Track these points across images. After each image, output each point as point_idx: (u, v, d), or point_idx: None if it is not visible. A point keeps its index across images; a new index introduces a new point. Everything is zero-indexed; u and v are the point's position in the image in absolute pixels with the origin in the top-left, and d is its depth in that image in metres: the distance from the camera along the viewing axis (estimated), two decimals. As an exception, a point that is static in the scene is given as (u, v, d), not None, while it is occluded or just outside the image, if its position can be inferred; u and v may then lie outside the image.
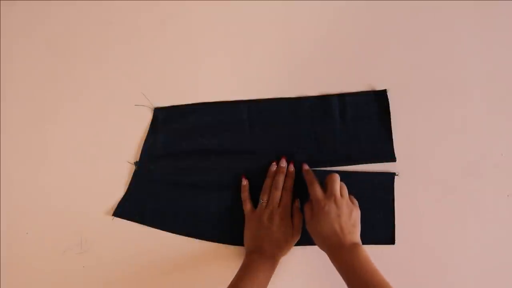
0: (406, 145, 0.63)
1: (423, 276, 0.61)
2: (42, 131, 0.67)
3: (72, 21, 0.70)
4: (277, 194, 0.59)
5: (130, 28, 0.69)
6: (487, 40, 0.66)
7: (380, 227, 0.61)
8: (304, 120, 0.64)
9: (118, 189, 0.65)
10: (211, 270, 0.62)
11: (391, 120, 0.63)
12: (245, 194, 0.61)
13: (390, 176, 0.62)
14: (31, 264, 0.64)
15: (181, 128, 0.65)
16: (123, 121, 0.66)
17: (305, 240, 0.59)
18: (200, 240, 0.63)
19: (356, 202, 0.58)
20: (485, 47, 0.66)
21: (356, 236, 0.54)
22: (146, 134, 0.65)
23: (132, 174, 0.65)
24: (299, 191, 0.61)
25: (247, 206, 0.61)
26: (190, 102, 0.66)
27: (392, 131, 0.63)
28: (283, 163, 0.61)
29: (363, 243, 0.55)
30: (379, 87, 0.64)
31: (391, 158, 0.62)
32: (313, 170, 0.62)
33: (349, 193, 0.58)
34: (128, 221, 0.64)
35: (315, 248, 0.58)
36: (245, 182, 0.62)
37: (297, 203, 0.61)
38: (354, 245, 0.53)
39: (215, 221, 0.63)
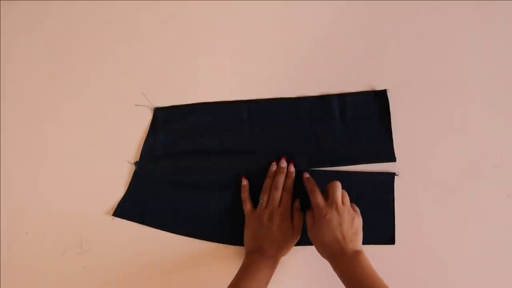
0: (406, 145, 0.63)
1: (423, 276, 0.61)
2: (42, 131, 0.67)
3: (72, 21, 0.70)
4: (277, 194, 0.59)
5: (130, 28, 0.69)
6: (487, 40, 0.66)
7: (380, 227, 0.61)
8: (304, 120, 0.64)
9: (118, 189, 0.65)
10: (211, 270, 0.62)
11: (391, 120, 0.63)
12: (245, 194, 0.62)
13: (390, 176, 0.62)
14: (31, 264, 0.64)
15: (181, 128, 0.65)
16: (123, 121, 0.66)
17: (305, 240, 0.59)
18: (200, 240, 0.63)
19: (357, 209, 0.58)
20: (485, 47, 0.66)
21: (358, 244, 0.54)
22: (146, 134, 0.65)
23: (132, 174, 0.65)
24: (299, 191, 0.61)
25: (247, 206, 0.61)
26: (190, 102, 0.66)
27: (392, 131, 0.63)
28: (283, 163, 0.61)
29: (363, 243, 0.55)
30: (379, 87, 0.64)
31: (391, 158, 0.62)
32: (313, 170, 0.63)
33: (349, 193, 0.58)
34: (128, 221, 0.64)
35: (315, 248, 0.58)
36: (245, 182, 0.62)
37: (297, 203, 0.61)
38: (356, 252, 0.53)
39: (215, 221, 0.63)
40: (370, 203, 0.61)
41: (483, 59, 0.65)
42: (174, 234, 0.63)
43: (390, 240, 0.61)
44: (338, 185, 0.56)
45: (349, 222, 0.54)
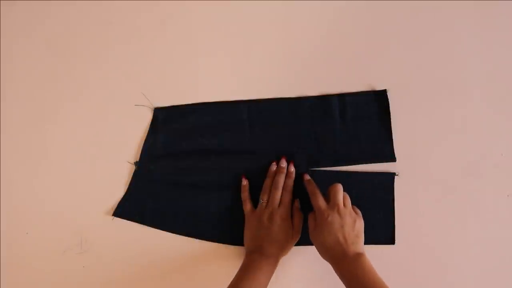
0: (406, 145, 0.63)
1: (423, 276, 0.61)
2: (42, 131, 0.67)
3: (72, 21, 0.70)
4: (277, 194, 0.59)
5: (130, 28, 0.69)
6: (487, 40, 0.66)
7: (380, 227, 0.61)
8: (304, 120, 0.64)
9: (118, 189, 0.65)
10: (211, 270, 0.62)
11: (391, 120, 0.63)
12: (245, 194, 0.62)
13: (390, 176, 0.62)
14: (31, 264, 0.64)
15: (181, 128, 0.65)
16: (123, 121, 0.66)
17: (305, 240, 0.59)
18: (200, 240, 0.63)
19: (359, 212, 0.57)
20: (485, 47, 0.66)
21: (360, 246, 0.54)
22: (146, 134, 0.65)
23: (132, 174, 0.65)
24: (299, 191, 0.61)
25: (247, 206, 0.61)
26: (190, 102, 0.66)
27: (392, 131, 0.63)
28: (283, 163, 0.61)
29: (363, 243, 0.55)
30: (379, 87, 0.64)
31: (391, 158, 0.62)
32: (313, 170, 0.63)
33: (349, 193, 0.58)
34: (128, 221, 0.64)
35: (315, 248, 0.58)
36: (245, 182, 0.62)
37: (297, 203, 0.61)
38: (358, 255, 0.53)
39: (215, 221, 0.63)
40: (370, 203, 0.61)
41: (483, 59, 0.65)
42: (174, 234, 0.63)
43: (390, 240, 0.61)
44: (340, 187, 0.56)
45: (351, 224, 0.54)
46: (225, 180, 0.63)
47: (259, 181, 0.62)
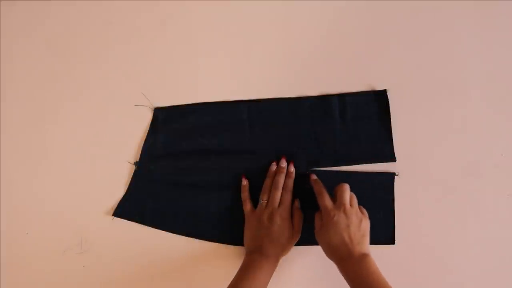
0: (406, 145, 0.63)
1: (423, 276, 0.61)
2: (42, 131, 0.67)
3: (72, 21, 0.70)
4: (277, 194, 0.59)
5: (130, 28, 0.69)
6: (487, 40, 0.66)
7: (380, 227, 0.61)
8: (304, 120, 0.64)
9: (118, 189, 0.65)
10: (211, 270, 0.62)
11: (391, 120, 0.63)
12: (245, 194, 0.62)
13: (390, 176, 0.62)
14: (31, 264, 0.64)
15: (181, 128, 0.65)
16: (123, 121, 0.66)
17: (305, 240, 0.59)
18: (200, 240, 0.63)
19: (365, 212, 0.57)
20: (485, 47, 0.66)
21: (365, 247, 0.54)
22: (146, 134, 0.65)
23: (132, 174, 0.65)
24: (299, 191, 0.61)
25: (247, 206, 0.61)
26: (190, 102, 0.66)
27: (392, 131, 0.63)
28: (283, 163, 0.61)
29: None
30: (379, 87, 0.64)
31: (391, 158, 0.62)
32: (313, 170, 0.62)
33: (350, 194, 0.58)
34: (128, 221, 0.64)
35: (315, 248, 0.58)
36: (245, 182, 0.62)
37: (297, 203, 0.61)
38: (363, 255, 0.53)
39: (215, 221, 0.63)
40: (370, 203, 0.61)
41: (483, 59, 0.65)
42: (174, 234, 0.63)
43: (390, 240, 0.61)
44: (347, 187, 0.56)
45: (357, 224, 0.54)
46: (225, 180, 0.63)
47: (259, 181, 0.62)
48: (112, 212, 0.64)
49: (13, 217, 0.65)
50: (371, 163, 0.63)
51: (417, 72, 0.65)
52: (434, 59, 0.65)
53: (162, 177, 0.64)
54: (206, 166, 0.64)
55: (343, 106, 0.64)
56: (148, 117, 0.66)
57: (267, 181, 0.61)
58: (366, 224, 0.55)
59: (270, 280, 0.55)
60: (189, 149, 0.65)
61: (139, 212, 0.64)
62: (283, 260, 0.58)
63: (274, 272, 0.56)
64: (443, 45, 0.66)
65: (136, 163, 0.65)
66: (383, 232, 0.61)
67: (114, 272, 0.63)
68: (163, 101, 0.66)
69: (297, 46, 0.67)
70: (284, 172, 0.61)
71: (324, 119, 0.64)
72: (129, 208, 0.64)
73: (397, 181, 0.62)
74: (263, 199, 0.59)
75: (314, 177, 0.61)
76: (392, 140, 0.63)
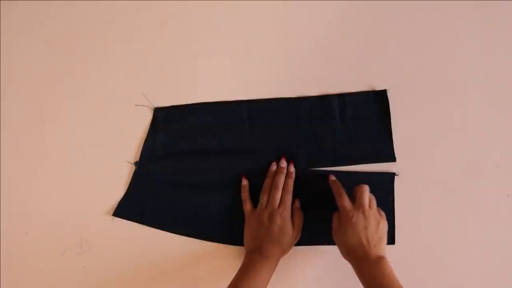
0: (406, 145, 0.63)
1: (423, 276, 0.61)
2: (42, 131, 0.67)
3: (72, 21, 0.70)
4: (277, 194, 0.59)
5: (130, 28, 0.69)
6: (487, 40, 0.66)
7: (380, 227, 0.61)
8: (304, 120, 0.64)
9: (118, 189, 0.65)
10: (211, 270, 0.62)
11: (391, 120, 0.63)
12: (245, 194, 0.62)
13: (390, 176, 0.62)
14: (31, 264, 0.64)
15: (181, 128, 0.65)
16: (123, 121, 0.66)
17: (305, 240, 0.59)
18: (200, 240, 0.63)
19: (383, 214, 0.57)
20: (485, 47, 0.66)
21: (382, 249, 0.54)
22: (146, 134, 0.65)
23: (132, 174, 0.65)
24: (299, 191, 0.61)
25: (247, 206, 0.61)
26: (190, 102, 0.66)
27: (392, 131, 0.63)
28: (283, 163, 0.61)
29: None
30: (379, 87, 0.64)
31: (391, 158, 0.62)
32: (313, 170, 0.63)
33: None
34: (128, 221, 0.64)
35: (315, 248, 0.58)
36: (245, 182, 0.62)
37: (297, 203, 0.61)
38: (380, 258, 0.52)
39: (215, 221, 0.63)
40: (370, 203, 0.61)
41: (483, 59, 0.65)
42: (174, 234, 0.63)
43: (390, 240, 0.61)
44: (366, 188, 0.56)
45: (375, 226, 0.54)
46: (225, 180, 0.63)
47: (259, 181, 0.62)
48: (112, 212, 0.64)
49: (13, 217, 0.65)
50: (371, 163, 0.63)
51: (417, 72, 0.65)
52: (434, 59, 0.65)
53: (162, 177, 0.64)
54: (206, 166, 0.64)
55: (343, 106, 0.64)
56: (148, 117, 0.66)
57: (267, 181, 0.61)
58: (383, 227, 0.55)
59: (270, 280, 0.55)
60: (189, 149, 0.65)
61: (139, 212, 0.64)
62: (283, 260, 0.58)
63: (274, 272, 0.56)
64: (443, 45, 0.66)
65: (136, 163, 0.65)
66: (383, 232, 0.61)
67: (114, 272, 0.63)
68: (163, 101, 0.66)
69: (297, 46, 0.67)
70: (284, 172, 0.61)
71: (324, 119, 0.64)
72: (129, 208, 0.64)
73: (397, 181, 0.62)
74: (263, 199, 0.59)
75: (332, 177, 0.61)
76: (392, 140, 0.63)
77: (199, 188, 0.64)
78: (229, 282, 0.53)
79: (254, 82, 0.66)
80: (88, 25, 0.70)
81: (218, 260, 0.62)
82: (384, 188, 0.62)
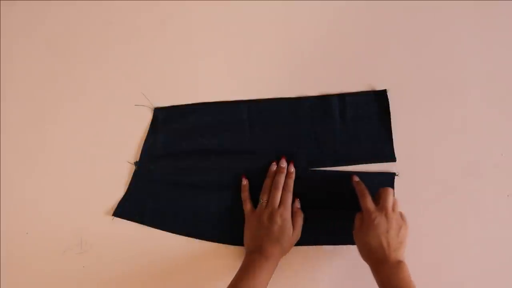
0: (406, 145, 0.63)
1: (423, 276, 0.61)
2: (42, 131, 0.67)
3: (72, 21, 0.70)
4: (277, 194, 0.59)
5: (130, 28, 0.69)
6: (487, 40, 0.66)
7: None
8: (304, 120, 0.64)
9: (118, 189, 0.65)
10: (211, 270, 0.62)
11: (391, 120, 0.63)
12: (245, 194, 0.62)
13: (390, 176, 0.62)
14: (31, 264, 0.64)
15: (181, 128, 0.65)
16: (123, 121, 0.66)
17: (305, 240, 0.59)
18: (200, 240, 0.63)
19: (405, 219, 0.57)
20: (485, 47, 0.66)
21: (401, 254, 0.54)
22: (146, 134, 0.65)
23: (132, 174, 0.65)
24: (299, 191, 0.61)
25: (247, 206, 0.61)
26: (190, 102, 0.66)
27: (392, 131, 0.63)
28: (283, 163, 0.61)
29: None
30: (379, 87, 0.64)
31: (391, 158, 0.62)
32: (313, 170, 0.62)
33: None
34: (128, 221, 0.64)
35: (315, 248, 0.58)
36: (245, 182, 0.62)
37: (297, 203, 0.61)
38: (398, 262, 0.52)
39: (215, 221, 0.63)
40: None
41: (483, 59, 0.65)
42: (174, 234, 0.63)
43: (390, 240, 0.61)
44: (391, 191, 0.56)
45: (397, 230, 0.54)
46: (225, 180, 0.63)
47: (259, 181, 0.62)
48: (112, 212, 0.64)
49: (13, 217, 0.65)
50: (371, 163, 0.63)
51: (417, 72, 0.65)
52: (434, 59, 0.65)
53: (162, 177, 0.64)
54: (206, 166, 0.64)
55: (343, 106, 0.64)
56: (148, 117, 0.66)
57: (267, 181, 0.61)
58: (405, 232, 0.55)
59: (270, 280, 0.55)
60: (189, 149, 0.65)
61: (139, 212, 0.64)
62: (283, 260, 0.58)
63: (274, 272, 0.56)
64: (443, 45, 0.66)
65: (136, 163, 0.65)
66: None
67: (114, 272, 0.63)
68: (163, 101, 0.66)
69: (297, 46, 0.67)
70: (284, 172, 0.61)
71: (324, 119, 0.64)
72: (129, 208, 0.64)
73: (397, 181, 0.62)
74: (263, 199, 0.59)
75: (356, 178, 0.60)
76: (392, 140, 0.63)
77: (199, 188, 0.64)
78: (229, 282, 0.53)
79: (254, 82, 0.66)
80: (88, 25, 0.70)
81: (218, 260, 0.62)
82: (384, 188, 0.62)
